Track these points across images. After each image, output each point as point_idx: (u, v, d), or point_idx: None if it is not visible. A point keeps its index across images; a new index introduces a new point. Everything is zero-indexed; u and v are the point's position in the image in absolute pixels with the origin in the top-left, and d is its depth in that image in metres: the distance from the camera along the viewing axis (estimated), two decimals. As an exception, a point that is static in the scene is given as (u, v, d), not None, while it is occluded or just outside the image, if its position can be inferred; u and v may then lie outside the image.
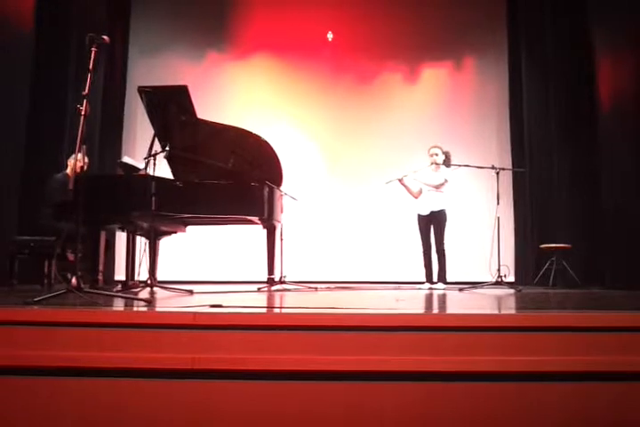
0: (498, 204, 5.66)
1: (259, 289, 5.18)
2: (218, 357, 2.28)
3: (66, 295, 3.06)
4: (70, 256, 5.00)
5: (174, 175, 5.25)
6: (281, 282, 5.59)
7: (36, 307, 2.70)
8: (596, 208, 6.74)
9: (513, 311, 3.14)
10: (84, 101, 3.27)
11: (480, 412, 2.18)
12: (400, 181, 6.03)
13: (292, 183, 6.03)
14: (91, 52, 3.35)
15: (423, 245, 6.05)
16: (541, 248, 6.99)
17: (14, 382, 2.24)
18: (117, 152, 7.68)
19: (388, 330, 2.35)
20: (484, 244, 6.16)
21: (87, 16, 6.92)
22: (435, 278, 5.94)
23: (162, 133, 4.88)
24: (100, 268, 4.68)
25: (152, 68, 8.05)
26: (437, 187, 5.99)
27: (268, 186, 5.14)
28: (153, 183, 4.42)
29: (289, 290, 5.41)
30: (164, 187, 4.54)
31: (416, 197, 6.16)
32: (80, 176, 3.59)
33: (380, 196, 7.66)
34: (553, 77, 7.37)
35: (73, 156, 5.02)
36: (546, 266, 6.87)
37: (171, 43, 8.30)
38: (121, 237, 5.71)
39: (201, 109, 5.02)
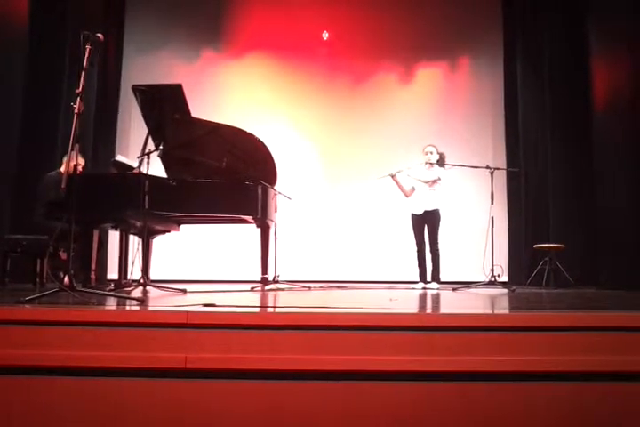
0: (492, 203, 5.67)
1: (252, 288, 5.17)
2: (211, 356, 2.27)
3: (58, 294, 3.04)
4: (63, 255, 4.97)
5: (168, 174, 5.23)
6: (274, 281, 5.58)
7: (27, 306, 2.68)
8: (590, 208, 6.75)
9: (506, 311, 3.15)
10: (78, 100, 3.25)
11: (475, 411, 2.18)
12: (392, 176, 6.03)
13: (287, 182, 6.02)
14: (85, 50, 3.34)
15: (417, 244, 6.05)
16: (535, 248, 7.00)
17: (5, 382, 2.23)
18: (111, 151, 7.65)
19: (381, 329, 2.35)
20: (477, 243, 6.17)
21: (82, 14, 6.90)
22: (428, 278, 5.95)
23: (156, 132, 4.86)
24: (93, 267, 4.66)
25: (147, 66, 8.02)
26: (430, 184, 5.98)
27: (262, 185, 5.13)
28: (146, 182, 4.40)
29: (282, 289, 5.40)
30: (158, 185, 4.52)
31: (407, 196, 6.16)
32: (73, 175, 3.57)
33: (374, 195, 7.67)
34: (548, 77, 7.38)
35: (67, 154, 5.00)
36: (539, 266, 6.88)
37: (166, 41, 8.28)
38: (114, 236, 5.69)
39: (195, 108, 5.00)
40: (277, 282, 5.62)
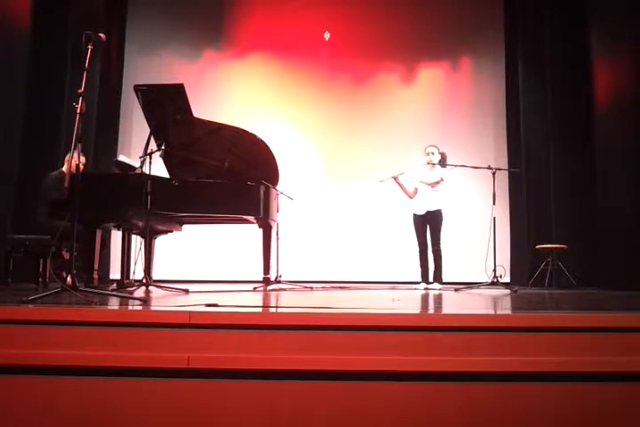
0: (494, 204, 5.67)
1: (254, 289, 5.18)
2: (213, 356, 2.28)
3: (61, 294, 3.05)
4: (65, 255, 4.98)
5: (170, 174, 5.23)
6: (277, 281, 5.58)
7: (30, 306, 2.69)
8: (592, 209, 6.75)
9: (509, 312, 3.14)
10: (80, 99, 3.25)
11: (478, 412, 2.18)
12: (395, 179, 6.03)
13: (289, 183, 6.03)
14: (87, 49, 3.34)
15: (419, 245, 6.05)
16: (537, 249, 6.99)
17: (9, 381, 2.23)
18: (113, 151, 7.66)
19: (383, 330, 2.35)
20: (479, 244, 6.17)
21: (84, 14, 6.90)
22: (431, 278, 5.94)
23: (158, 132, 4.86)
24: (96, 266, 4.65)
25: (149, 66, 8.04)
26: (433, 185, 5.98)
27: (264, 185, 5.13)
28: (149, 182, 4.40)
29: (285, 290, 5.41)
30: (160, 185, 4.53)
31: (411, 197, 6.16)
32: (76, 175, 3.57)
33: (377, 195, 7.66)
34: (549, 77, 7.37)
35: (69, 154, 5.01)
36: (541, 267, 6.88)
37: (167, 41, 8.29)
38: (117, 236, 5.69)
39: (197, 108, 5.00)
40: (279, 282, 5.63)
